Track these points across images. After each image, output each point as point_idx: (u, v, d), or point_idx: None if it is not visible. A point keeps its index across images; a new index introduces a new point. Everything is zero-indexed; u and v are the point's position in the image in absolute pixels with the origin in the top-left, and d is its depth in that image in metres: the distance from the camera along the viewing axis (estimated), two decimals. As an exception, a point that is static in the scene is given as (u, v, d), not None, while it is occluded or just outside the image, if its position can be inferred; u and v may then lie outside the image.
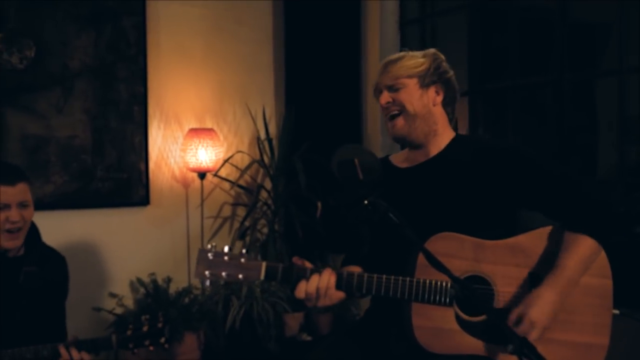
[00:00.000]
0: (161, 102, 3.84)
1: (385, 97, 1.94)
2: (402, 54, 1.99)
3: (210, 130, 3.76)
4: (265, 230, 4.00)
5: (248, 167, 3.95)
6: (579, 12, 3.13)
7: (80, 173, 3.58)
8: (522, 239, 1.78)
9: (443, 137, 1.95)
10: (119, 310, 3.60)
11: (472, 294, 1.47)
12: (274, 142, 4.03)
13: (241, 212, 4.06)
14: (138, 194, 3.75)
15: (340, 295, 1.71)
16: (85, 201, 3.60)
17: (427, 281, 1.69)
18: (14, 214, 2.09)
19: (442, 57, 1.98)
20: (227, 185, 4.01)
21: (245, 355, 3.59)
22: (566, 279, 1.71)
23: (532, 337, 1.64)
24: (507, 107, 3.44)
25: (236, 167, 3.99)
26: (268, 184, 4.03)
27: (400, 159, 2.03)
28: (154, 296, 3.59)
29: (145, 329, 2.14)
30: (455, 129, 3.46)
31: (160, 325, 2.16)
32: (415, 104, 1.91)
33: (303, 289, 1.68)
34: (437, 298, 1.69)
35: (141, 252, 3.76)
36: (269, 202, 3.98)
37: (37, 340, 2.09)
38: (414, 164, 1.96)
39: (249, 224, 3.99)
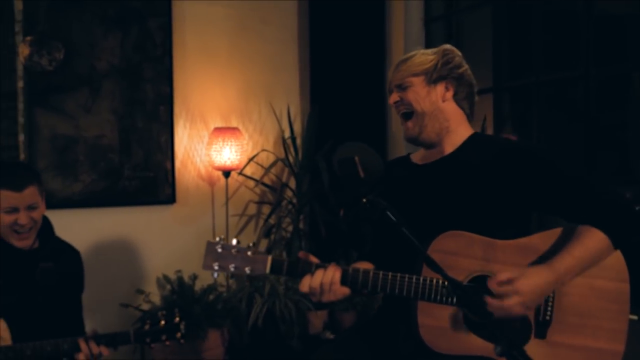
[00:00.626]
0: (187, 101, 3.89)
1: (394, 96, 1.94)
2: (414, 52, 1.98)
3: (235, 129, 3.80)
4: (290, 228, 4.02)
5: (272, 165, 3.98)
6: (606, 3, 3.06)
7: (107, 172, 3.66)
8: (534, 239, 1.75)
9: (458, 134, 1.92)
10: (145, 307, 3.66)
11: (465, 294, 1.44)
12: (298, 141, 4.04)
13: (266, 210, 4.09)
14: (164, 192, 3.81)
15: (345, 291, 1.71)
16: (112, 199, 3.67)
17: (434, 280, 1.68)
18: (22, 217, 2.14)
19: (456, 52, 1.95)
20: (252, 183, 4.05)
21: (269, 352, 3.62)
22: (566, 266, 1.67)
23: (509, 302, 1.62)
24: (533, 104, 3.39)
25: (261, 165, 4.02)
26: (293, 183, 4.05)
27: (418, 156, 2.02)
28: (179, 293, 3.64)
29: (162, 324, 2.19)
30: (482, 126, 3.44)
31: (176, 320, 2.20)
32: (422, 102, 1.89)
33: (307, 283, 1.69)
34: (444, 297, 1.67)
35: (168, 250, 3.82)
36: (294, 200, 3.99)
37: (55, 333, 2.15)
38: (430, 161, 1.95)
39: (274, 222, 4.01)
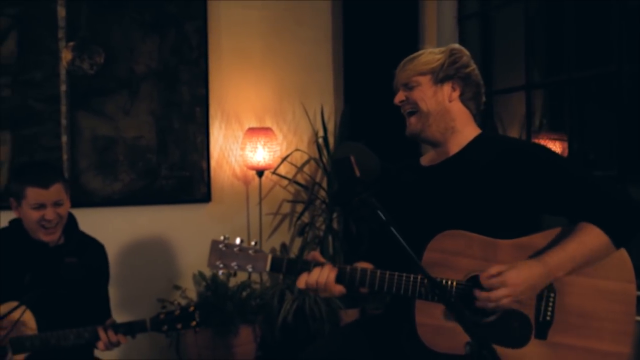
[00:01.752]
0: (222, 102, 3.98)
1: (399, 96, 1.95)
2: (422, 51, 1.98)
3: (268, 129, 3.87)
4: (323, 227, 4.06)
5: (304, 164, 4.03)
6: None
7: (146, 171, 3.79)
8: (535, 238, 1.74)
9: (464, 134, 1.92)
10: (182, 302, 3.77)
11: (442, 291, 1.45)
12: (331, 141, 4.07)
13: (300, 209, 4.14)
14: (200, 191, 3.91)
15: (341, 289, 1.76)
16: (150, 198, 3.80)
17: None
18: (49, 212, 2.28)
19: (464, 51, 1.96)
20: (286, 182, 4.11)
21: (299, 349, 3.66)
22: (559, 261, 1.66)
23: (497, 294, 1.63)
24: (565, 101, 3.32)
25: (295, 165, 4.08)
26: (326, 182, 4.09)
27: (427, 158, 2.04)
28: (213, 289, 3.73)
29: (177, 313, 2.29)
30: (529, 124, 3.39)
31: (191, 309, 2.29)
32: (429, 101, 1.90)
33: (304, 280, 1.75)
34: (437, 296, 1.68)
35: (203, 247, 3.81)
36: (327, 199, 4.03)
37: (81, 323, 2.27)
38: (436, 163, 1.96)
39: (308, 221, 4.06)
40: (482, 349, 1.22)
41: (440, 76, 1.90)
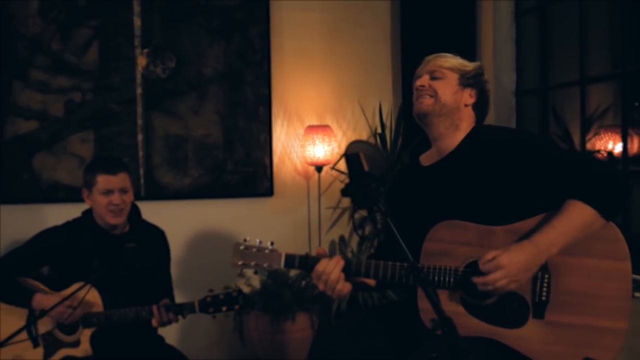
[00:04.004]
0: (284, 102, 4.21)
1: (423, 80, 2.03)
2: (450, 54, 2.11)
3: (326, 126, 4.05)
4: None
5: (360, 160, 4.17)
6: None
7: (213, 167, 4.07)
8: (527, 223, 1.81)
9: (464, 131, 2.03)
10: (246, 290, 4.02)
11: (419, 276, 1.55)
12: (388, 137, 4.19)
13: (359, 203, 4.29)
14: (263, 185, 4.16)
15: (348, 286, 1.94)
16: (217, 192, 4.08)
17: (431, 267, 1.81)
18: (116, 198, 2.57)
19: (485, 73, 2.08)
20: (344, 177, 4.27)
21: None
22: (549, 238, 1.72)
23: (493, 277, 1.70)
24: (619, 96, 3.28)
25: (353, 161, 4.23)
26: (383, 177, 4.21)
27: (426, 158, 2.14)
28: (274, 278, 3.96)
29: (221, 296, 2.52)
30: (583, 119, 3.37)
31: (234, 294, 2.51)
32: (449, 96, 2.00)
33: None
34: (441, 283, 1.80)
35: (266, 238, 3.96)
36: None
37: (145, 302, 2.55)
38: (434, 161, 2.07)
39: (366, 215, 4.20)
40: (444, 325, 1.34)
41: (467, 80, 2.02)
